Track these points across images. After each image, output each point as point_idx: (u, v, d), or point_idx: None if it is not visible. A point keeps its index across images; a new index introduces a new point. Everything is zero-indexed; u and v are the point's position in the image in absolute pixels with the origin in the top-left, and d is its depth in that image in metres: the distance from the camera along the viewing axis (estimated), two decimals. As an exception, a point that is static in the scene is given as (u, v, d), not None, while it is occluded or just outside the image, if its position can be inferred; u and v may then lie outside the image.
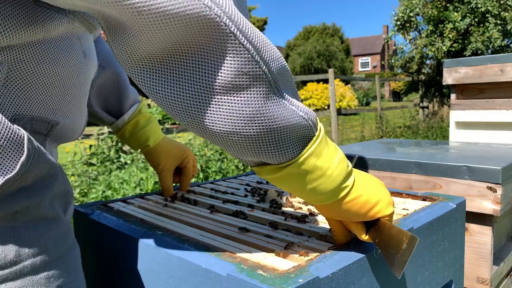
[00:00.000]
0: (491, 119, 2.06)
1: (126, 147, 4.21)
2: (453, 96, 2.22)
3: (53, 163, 0.58)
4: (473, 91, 2.16)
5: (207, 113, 0.50)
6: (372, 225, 0.62)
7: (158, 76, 0.50)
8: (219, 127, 0.51)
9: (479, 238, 1.26)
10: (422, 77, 12.39)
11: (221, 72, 0.48)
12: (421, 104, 12.64)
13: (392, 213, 0.63)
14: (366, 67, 45.67)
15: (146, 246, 0.70)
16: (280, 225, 0.86)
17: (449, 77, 2.16)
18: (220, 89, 0.49)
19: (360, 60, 46.09)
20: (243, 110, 0.50)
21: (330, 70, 8.25)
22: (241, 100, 0.49)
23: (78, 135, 0.80)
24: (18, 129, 0.52)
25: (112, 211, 0.90)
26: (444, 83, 2.21)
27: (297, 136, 0.54)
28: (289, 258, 0.61)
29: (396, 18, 12.30)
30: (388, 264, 0.60)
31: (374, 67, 44.18)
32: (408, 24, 11.98)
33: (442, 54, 11.19)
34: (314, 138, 0.56)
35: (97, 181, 3.53)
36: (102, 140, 4.11)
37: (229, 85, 0.49)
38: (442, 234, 0.82)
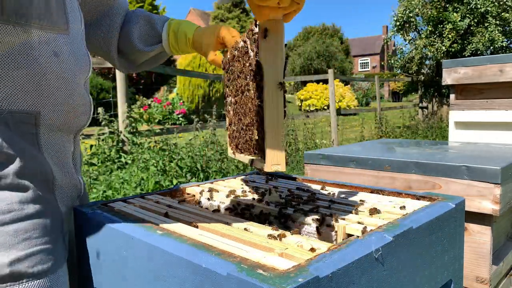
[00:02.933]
0: (490, 119, 2.06)
1: (126, 147, 4.21)
2: (452, 96, 2.22)
3: (9, 152, 0.76)
4: (472, 91, 2.16)
5: None
6: None
7: None
8: None
9: (478, 238, 1.26)
10: (422, 77, 12.39)
11: None
12: (420, 104, 12.65)
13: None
14: (365, 67, 45.68)
15: (146, 245, 0.70)
16: (280, 224, 0.87)
17: (449, 78, 2.17)
18: None
19: (360, 60, 46.09)
20: None
21: (330, 71, 8.25)
22: None
23: (83, 122, 0.92)
24: None
25: (113, 211, 0.90)
26: (443, 83, 2.22)
27: None
28: (289, 258, 0.61)
29: (395, 19, 12.30)
30: None
31: (374, 67, 44.19)
32: (407, 25, 11.99)
33: (442, 55, 11.20)
34: None
35: (98, 181, 3.53)
36: (102, 140, 4.11)
37: None
38: (442, 234, 0.82)
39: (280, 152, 0.75)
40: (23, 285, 0.73)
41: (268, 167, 0.75)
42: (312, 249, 0.65)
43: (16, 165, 0.76)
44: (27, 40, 0.77)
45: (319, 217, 0.81)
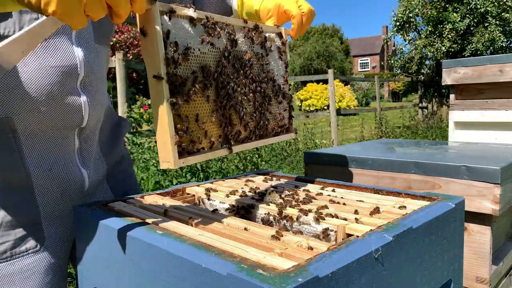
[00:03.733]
0: (490, 119, 2.07)
1: (126, 147, 4.21)
2: (452, 96, 2.22)
3: None
4: (472, 92, 2.16)
5: None
6: None
7: None
8: None
9: (478, 238, 1.26)
10: (421, 77, 12.39)
11: None
12: (420, 105, 12.65)
13: None
14: (365, 67, 45.68)
15: (146, 245, 0.70)
16: (280, 224, 0.87)
17: (448, 78, 2.17)
18: None
19: (360, 60, 46.09)
20: None
21: (330, 71, 8.25)
22: None
23: (76, 122, 0.93)
24: None
25: (113, 211, 0.90)
26: (443, 84, 2.22)
27: None
28: (289, 258, 0.61)
29: (395, 19, 12.30)
30: None
31: (374, 67, 44.19)
32: (407, 25, 11.99)
33: (441, 55, 11.20)
34: None
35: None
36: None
37: None
38: (441, 234, 0.82)
39: (167, 148, 0.73)
40: None
41: (161, 165, 0.74)
42: (312, 249, 0.65)
43: None
44: None
45: (319, 217, 0.81)
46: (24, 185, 0.92)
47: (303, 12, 1.09)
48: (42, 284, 0.94)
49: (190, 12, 0.79)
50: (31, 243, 0.94)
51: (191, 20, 0.80)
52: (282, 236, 0.71)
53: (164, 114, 0.73)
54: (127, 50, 12.35)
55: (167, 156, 0.73)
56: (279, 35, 1.09)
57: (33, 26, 0.67)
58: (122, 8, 0.65)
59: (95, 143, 1.04)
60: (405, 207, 0.87)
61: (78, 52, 0.91)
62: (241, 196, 1.02)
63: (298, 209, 0.88)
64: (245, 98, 0.94)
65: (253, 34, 0.98)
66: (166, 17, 0.75)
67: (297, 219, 0.82)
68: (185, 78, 0.77)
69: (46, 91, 0.87)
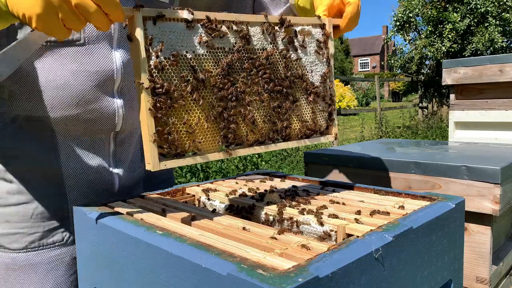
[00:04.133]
0: (490, 119, 2.06)
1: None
2: (452, 96, 2.22)
3: (6, 152, 0.96)
4: (472, 91, 2.16)
5: None
6: None
7: None
8: None
9: (478, 238, 1.26)
10: (422, 77, 12.39)
11: None
12: (420, 105, 12.65)
13: None
14: (365, 67, 45.68)
15: (146, 246, 0.70)
16: (280, 224, 0.87)
17: (448, 78, 2.17)
18: None
19: (360, 60, 46.09)
20: None
21: (330, 71, 8.23)
22: None
23: (108, 127, 0.97)
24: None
25: (113, 210, 0.90)
26: (443, 84, 2.22)
27: None
28: (289, 258, 0.61)
29: (395, 19, 12.30)
30: None
31: (374, 67, 44.18)
32: (407, 25, 11.99)
33: (442, 55, 11.20)
34: None
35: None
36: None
37: None
38: (442, 234, 0.82)
39: (147, 151, 0.75)
40: (2, 252, 0.97)
41: (146, 166, 0.77)
42: (312, 249, 0.65)
43: (8, 162, 0.95)
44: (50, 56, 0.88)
45: (319, 218, 0.81)
46: (57, 181, 0.98)
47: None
48: (64, 277, 0.99)
49: (184, 14, 0.78)
50: (58, 236, 0.99)
51: (187, 22, 0.79)
52: (282, 236, 0.71)
53: (144, 118, 0.75)
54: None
55: (148, 158, 0.76)
56: (321, 26, 0.97)
57: (24, 38, 0.74)
58: (97, 21, 0.68)
59: (133, 145, 1.07)
60: (405, 207, 0.87)
61: (117, 58, 0.94)
62: (241, 196, 1.02)
63: (298, 209, 0.88)
64: (257, 99, 0.88)
65: (276, 29, 0.91)
66: (151, 23, 0.74)
67: (297, 219, 0.82)
68: (170, 83, 0.76)
69: (81, 95, 0.92)
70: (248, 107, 0.86)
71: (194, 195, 1.10)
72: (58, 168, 0.97)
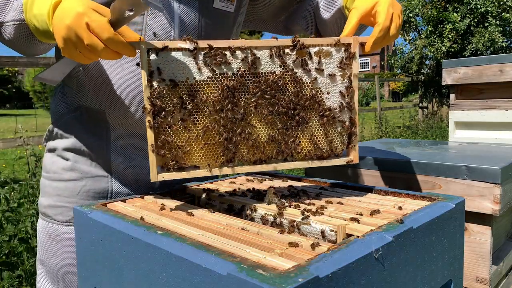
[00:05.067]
0: (491, 119, 2.06)
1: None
2: (452, 96, 2.22)
3: (65, 135, 1.11)
4: (472, 91, 2.16)
5: None
6: None
7: None
8: None
9: (478, 238, 1.26)
10: (422, 77, 12.39)
11: None
12: (420, 105, 12.65)
13: None
14: (365, 67, 45.68)
15: (146, 246, 0.70)
16: (280, 224, 0.86)
17: (449, 78, 2.17)
18: None
19: (360, 60, 46.03)
20: None
21: (330, 71, 8.23)
22: None
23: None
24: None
25: (112, 210, 0.90)
26: (443, 84, 2.22)
27: None
28: (289, 258, 0.61)
29: (395, 19, 12.24)
30: None
31: (374, 67, 44.18)
32: (407, 25, 11.98)
33: (442, 55, 11.20)
34: None
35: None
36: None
37: None
38: (442, 234, 0.82)
39: (150, 161, 0.87)
40: (48, 222, 1.10)
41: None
42: (312, 249, 0.65)
43: (67, 142, 1.09)
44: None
45: (318, 217, 0.81)
46: (106, 168, 1.10)
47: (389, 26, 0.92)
48: None
49: (187, 45, 0.86)
50: None
51: (190, 50, 0.87)
52: (282, 236, 0.71)
53: (148, 136, 0.87)
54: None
55: (150, 168, 0.88)
56: (347, 45, 0.93)
57: (65, 58, 0.91)
58: (106, 57, 0.82)
59: None
60: (404, 207, 0.87)
61: None
62: (241, 196, 1.02)
63: (298, 209, 0.88)
64: (263, 120, 0.91)
65: (287, 52, 0.90)
66: (154, 54, 0.85)
67: (297, 219, 0.82)
68: (169, 107, 0.86)
69: (134, 93, 1.02)
70: (248, 128, 0.91)
71: (194, 195, 1.10)
72: (107, 156, 1.08)
